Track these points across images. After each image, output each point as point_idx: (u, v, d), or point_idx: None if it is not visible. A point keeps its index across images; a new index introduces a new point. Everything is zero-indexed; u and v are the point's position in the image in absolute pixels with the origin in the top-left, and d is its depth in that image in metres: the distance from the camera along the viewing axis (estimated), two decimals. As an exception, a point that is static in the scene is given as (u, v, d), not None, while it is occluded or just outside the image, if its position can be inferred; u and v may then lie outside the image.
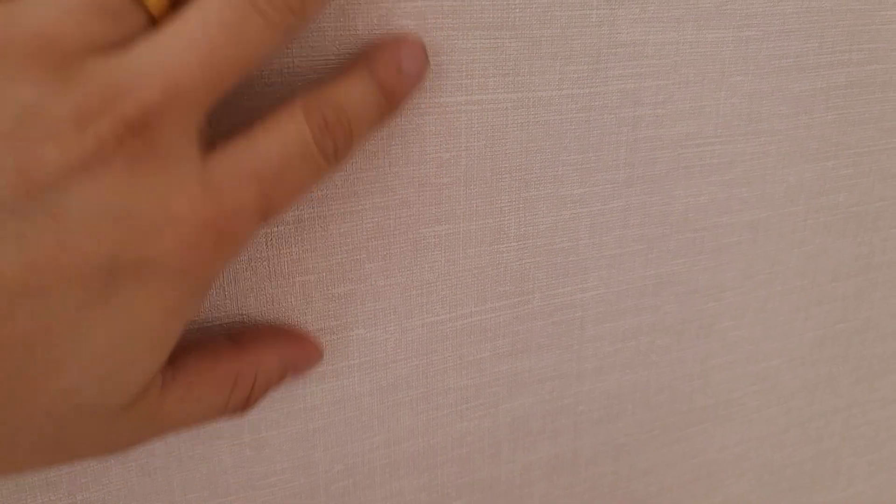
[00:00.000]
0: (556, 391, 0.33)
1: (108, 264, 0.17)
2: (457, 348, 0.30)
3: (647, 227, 0.32)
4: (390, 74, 0.23)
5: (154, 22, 0.18)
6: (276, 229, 0.26)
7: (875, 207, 0.38)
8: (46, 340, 0.17)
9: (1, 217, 0.16)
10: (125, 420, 0.20)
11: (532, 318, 0.31)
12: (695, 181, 0.32)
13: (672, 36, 0.30)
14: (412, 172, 0.27)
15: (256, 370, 0.24)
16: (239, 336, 0.25)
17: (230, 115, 0.23)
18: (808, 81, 0.33)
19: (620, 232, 0.32)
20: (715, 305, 0.36)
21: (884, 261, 0.39)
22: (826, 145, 0.35)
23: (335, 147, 0.21)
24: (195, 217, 0.18)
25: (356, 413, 0.29)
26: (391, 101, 0.23)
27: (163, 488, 0.27)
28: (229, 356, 0.23)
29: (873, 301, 0.40)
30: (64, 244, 0.17)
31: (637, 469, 0.37)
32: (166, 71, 0.17)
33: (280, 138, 0.20)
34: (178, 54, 0.18)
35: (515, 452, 0.34)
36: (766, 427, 0.41)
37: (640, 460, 0.37)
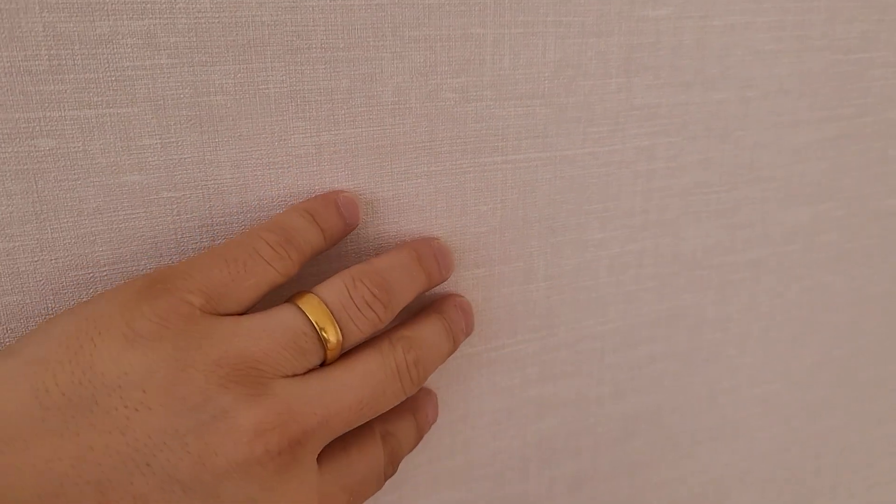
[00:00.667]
0: (578, 413, 0.37)
1: None
2: (491, 376, 0.34)
3: (659, 267, 0.36)
4: (423, 420, 0.30)
5: (324, 363, 0.24)
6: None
7: (865, 245, 0.41)
8: None
9: (172, 488, 0.20)
10: None
11: (557, 348, 0.35)
12: (703, 225, 0.36)
13: (682, 98, 0.33)
14: (454, 223, 0.31)
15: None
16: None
17: (305, 180, 0.27)
18: (803, 134, 0.37)
19: (636, 271, 0.36)
20: (721, 335, 0.39)
21: (875, 293, 0.43)
22: (820, 190, 0.39)
23: (393, 472, 0.28)
24: None
25: (403, 434, 0.33)
26: (419, 437, 0.30)
27: None
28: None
29: (865, 330, 0.44)
30: None
31: (651, 483, 0.41)
32: (327, 407, 0.23)
33: (368, 462, 0.26)
34: (339, 396, 0.23)
35: (542, 469, 0.37)
36: (769, 445, 0.44)
37: (653, 475, 0.41)
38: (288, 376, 0.23)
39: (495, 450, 0.36)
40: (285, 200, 0.27)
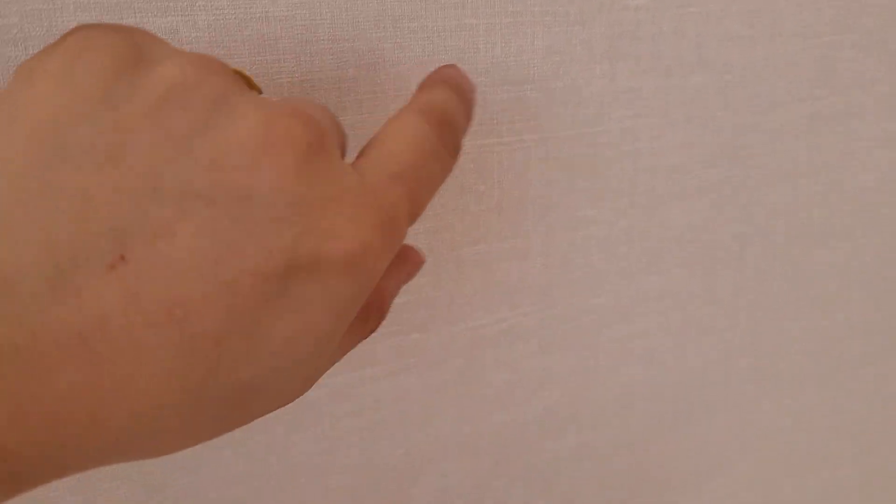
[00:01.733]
0: (578, 385, 0.39)
1: (288, 259, 0.17)
2: (494, 348, 0.36)
3: (647, 242, 0.38)
4: (459, 87, 0.25)
5: None
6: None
7: (846, 222, 0.44)
8: (231, 334, 0.17)
9: (194, 204, 0.17)
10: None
11: (555, 322, 0.37)
12: (687, 202, 0.39)
13: (663, 83, 0.36)
14: (455, 202, 0.33)
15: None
16: None
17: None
18: (779, 115, 0.39)
19: (626, 248, 0.38)
20: (710, 310, 0.41)
21: (860, 265, 0.45)
22: (798, 166, 0.41)
23: (454, 141, 0.23)
24: (363, 215, 0.19)
25: (413, 405, 0.35)
26: (468, 104, 0.25)
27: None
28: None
29: (851, 301, 0.46)
30: (251, 234, 0.17)
31: (650, 453, 0.43)
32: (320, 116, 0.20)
33: (411, 141, 0.21)
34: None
35: (545, 441, 0.39)
36: (763, 416, 0.46)
37: (652, 446, 0.43)
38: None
39: (501, 421, 0.38)
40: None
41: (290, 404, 0.23)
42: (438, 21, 0.30)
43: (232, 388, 0.18)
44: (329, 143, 0.19)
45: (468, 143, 0.32)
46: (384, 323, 0.33)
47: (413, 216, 0.21)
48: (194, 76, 0.18)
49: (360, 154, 0.22)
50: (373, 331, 0.25)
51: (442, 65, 0.26)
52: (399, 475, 0.36)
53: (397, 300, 0.33)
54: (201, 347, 0.17)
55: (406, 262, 0.27)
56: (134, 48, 0.19)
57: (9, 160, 0.16)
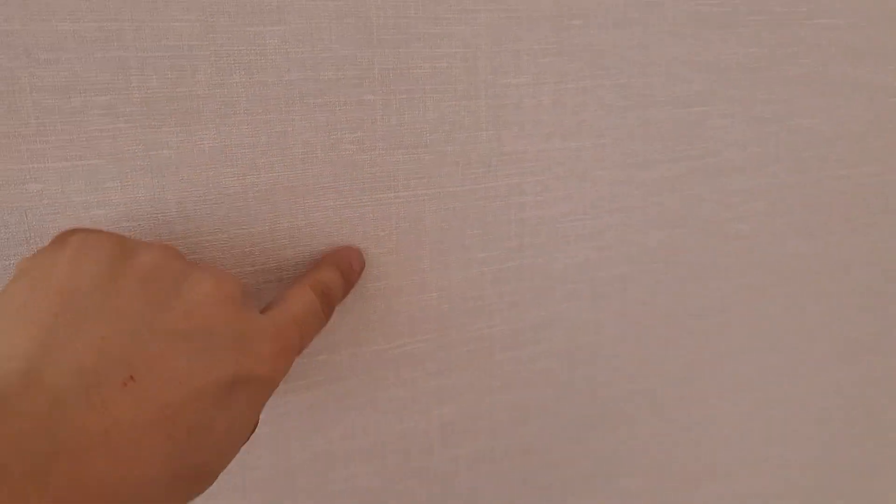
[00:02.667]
0: (473, 401, 0.45)
1: (234, 373, 0.27)
2: (396, 369, 0.42)
3: (536, 280, 0.44)
4: (347, 269, 0.38)
5: None
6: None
7: (720, 263, 0.50)
8: (198, 426, 0.25)
9: (176, 340, 0.26)
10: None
11: (451, 347, 0.43)
12: (571, 246, 0.44)
13: (544, 146, 0.42)
14: (357, 245, 0.39)
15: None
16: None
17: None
18: (656, 172, 0.45)
19: (516, 284, 0.44)
20: (596, 338, 0.47)
21: (733, 302, 0.51)
22: (674, 217, 0.47)
23: (331, 307, 0.35)
24: (276, 346, 0.30)
25: (321, 415, 0.41)
26: (349, 283, 0.38)
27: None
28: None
29: (728, 335, 0.52)
30: (213, 357, 0.27)
31: (544, 463, 0.49)
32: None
33: (303, 304, 0.33)
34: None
35: (445, 448, 0.45)
36: (648, 432, 0.52)
37: (546, 457, 0.49)
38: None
39: (403, 430, 0.44)
40: (219, 229, 0.36)
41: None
42: (340, 97, 0.36)
43: (196, 466, 0.26)
44: (249, 296, 0.31)
45: (367, 197, 0.38)
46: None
47: (301, 349, 0.32)
48: (163, 261, 0.29)
49: (269, 306, 0.33)
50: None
51: (342, 246, 0.39)
52: (312, 477, 0.42)
53: (306, 327, 0.39)
54: (180, 437, 0.25)
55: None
56: (119, 245, 0.29)
57: (46, 309, 0.25)
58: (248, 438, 0.31)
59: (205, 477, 0.27)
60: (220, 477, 0.39)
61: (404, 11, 0.37)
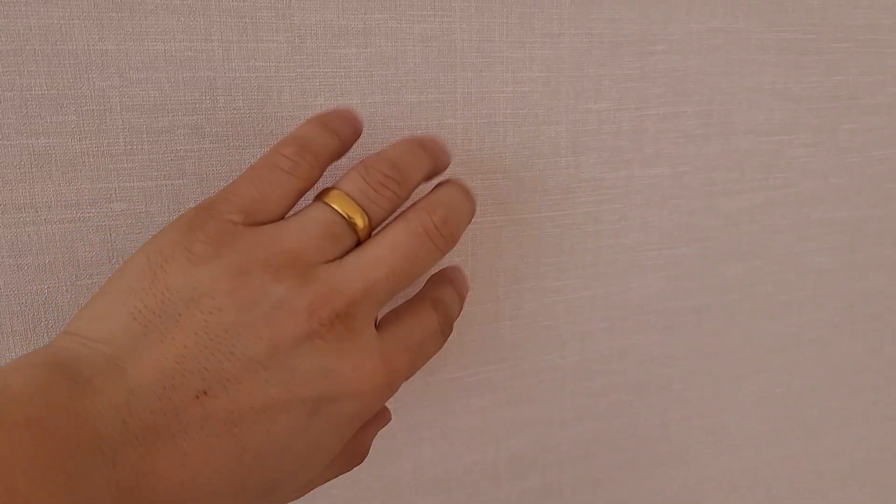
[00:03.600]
0: (543, 434, 0.44)
1: (315, 400, 0.26)
2: (467, 398, 0.41)
3: (610, 311, 0.43)
4: (461, 286, 0.34)
5: (359, 243, 0.28)
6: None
7: (797, 296, 0.48)
8: (270, 447, 0.25)
9: (255, 368, 0.25)
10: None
11: (523, 377, 0.42)
12: (646, 276, 0.43)
13: (623, 173, 0.41)
14: (434, 270, 0.38)
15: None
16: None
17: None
18: (734, 202, 0.44)
19: (589, 314, 0.43)
20: (668, 370, 0.46)
21: (811, 338, 0.49)
22: (753, 248, 0.46)
23: (450, 328, 0.32)
24: (374, 375, 0.27)
25: (391, 443, 0.40)
26: (462, 301, 0.34)
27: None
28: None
29: (802, 370, 0.50)
30: (290, 387, 0.25)
31: (611, 499, 0.47)
32: (365, 279, 0.27)
33: (422, 324, 0.30)
34: (373, 268, 0.27)
35: (513, 482, 0.44)
36: (721, 471, 0.50)
37: (613, 493, 0.47)
38: (329, 261, 0.27)
39: (471, 462, 0.43)
40: (297, 251, 0.35)
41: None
42: (421, 122, 0.36)
43: (264, 483, 0.26)
44: (359, 312, 0.27)
45: (445, 221, 0.38)
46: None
47: (409, 377, 0.30)
48: (269, 287, 0.26)
49: (384, 321, 0.30)
50: (354, 466, 0.32)
51: (449, 266, 0.35)
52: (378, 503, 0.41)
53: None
54: (247, 457, 0.25)
55: (381, 418, 0.34)
56: (237, 264, 0.27)
57: (149, 307, 0.25)
58: (351, 463, 0.31)
59: (276, 494, 0.27)
60: None
61: (489, 35, 0.36)
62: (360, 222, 0.28)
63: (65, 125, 0.31)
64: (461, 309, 0.34)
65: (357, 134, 0.31)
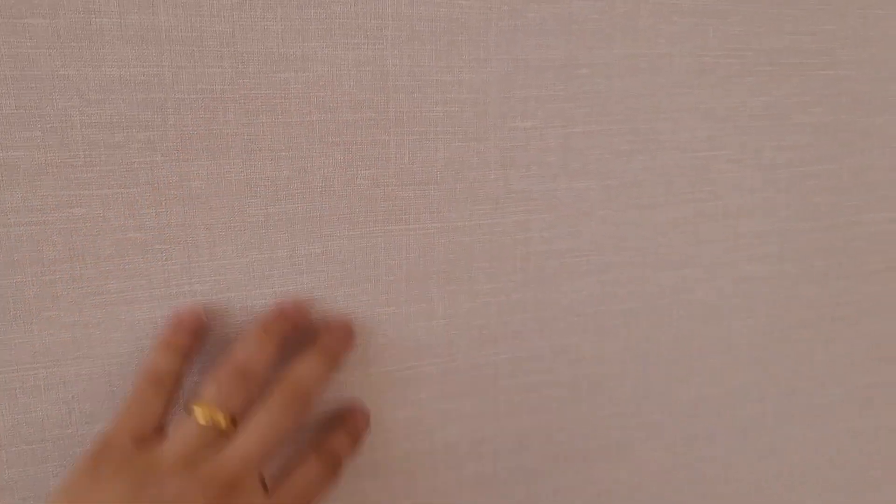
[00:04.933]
0: (477, 426, 0.47)
1: None
2: (402, 390, 0.45)
3: (540, 312, 0.47)
4: (354, 430, 0.43)
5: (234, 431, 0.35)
6: (281, 307, 0.41)
7: (728, 303, 0.51)
8: None
9: None
10: None
11: (456, 372, 0.46)
12: (576, 281, 0.47)
13: (551, 185, 0.44)
14: (369, 273, 0.42)
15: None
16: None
17: (253, 239, 0.39)
18: (663, 214, 0.47)
19: (521, 315, 0.46)
20: (600, 370, 0.49)
21: (742, 343, 0.52)
22: (682, 257, 0.49)
23: (339, 469, 0.40)
24: None
25: (333, 430, 0.44)
26: (356, 442, 0.42)
27: None
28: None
29: (737, 372, 0.53)
30: None
31: (545, 489, 0.51)
32: (241, 457, 0.34)
33: (306, 474, 0.38)
34: (246, 447, 0.34)
35: (448, 470, 0.48)
36: (655, 466, 0.53)
37: (547, 483, 0.51)
38: (211, 453, 0.34)
39: (407, 450, 0.46)
40: (242, 252, 0.39)
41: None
42: (357, 137, 0.40)
43: None
44: (244, 482, 0.34)
45: (379, 229, 0.42)
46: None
47: None
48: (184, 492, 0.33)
49: (275, 479, 0.37)
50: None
51: (352, 413, 0.43)
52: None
53: (319, 346, 0.42)
54: None
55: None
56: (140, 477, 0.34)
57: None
58: None
59: None
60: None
61: (419, 60, 0.40)
62: (223, 423, 0.35)
63: (31, 140, 0.35)
64: (359, 437, 0.42)
65: (204, 331, 0.39)
